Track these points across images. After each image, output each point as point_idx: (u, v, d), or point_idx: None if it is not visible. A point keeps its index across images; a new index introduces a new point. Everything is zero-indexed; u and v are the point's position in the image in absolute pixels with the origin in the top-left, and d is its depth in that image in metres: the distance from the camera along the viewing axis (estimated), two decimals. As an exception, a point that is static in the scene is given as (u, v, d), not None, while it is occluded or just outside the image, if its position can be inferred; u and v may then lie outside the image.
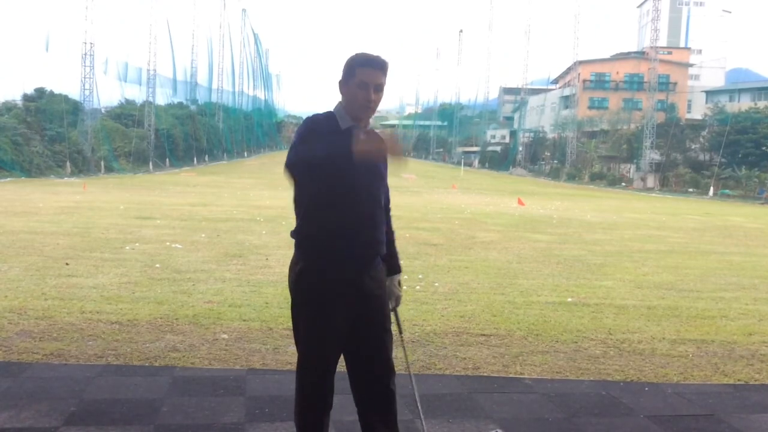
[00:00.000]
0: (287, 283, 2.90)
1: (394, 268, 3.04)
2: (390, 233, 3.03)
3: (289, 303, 2.89)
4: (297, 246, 2.82)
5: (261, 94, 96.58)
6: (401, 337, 3.19)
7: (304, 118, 2.81)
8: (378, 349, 2.92)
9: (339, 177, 2.61)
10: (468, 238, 12.82)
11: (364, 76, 2.69)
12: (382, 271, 2.93)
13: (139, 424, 3.58)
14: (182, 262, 8.83)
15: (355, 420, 3.67)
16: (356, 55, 2.76)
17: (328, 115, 2.79)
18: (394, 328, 3.02)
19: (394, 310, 3.07)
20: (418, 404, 3.21)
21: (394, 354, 2.99)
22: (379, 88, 2.73)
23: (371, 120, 2.87)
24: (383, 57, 2.76)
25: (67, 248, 9.64)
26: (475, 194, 31.49)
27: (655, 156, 50.17)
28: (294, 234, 2.82)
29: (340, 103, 2.82)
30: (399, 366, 3.10)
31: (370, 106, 2.73)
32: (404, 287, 7.53)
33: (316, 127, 2.70)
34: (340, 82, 2.79)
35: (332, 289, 2.73)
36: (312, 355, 2.81)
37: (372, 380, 2.94)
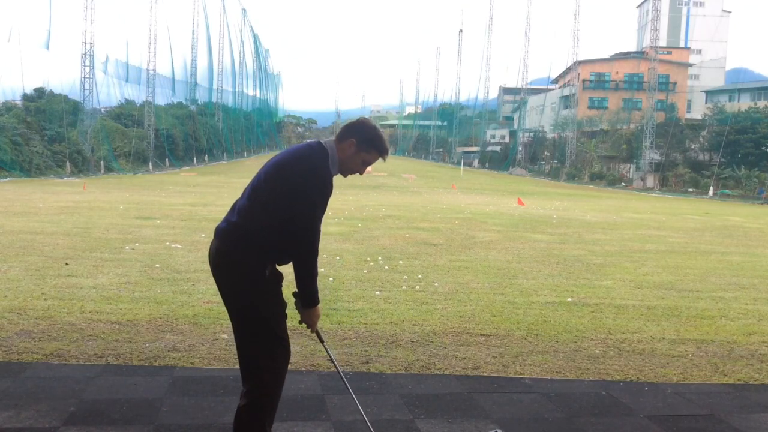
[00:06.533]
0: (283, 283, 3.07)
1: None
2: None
3: (292, 304, 2.98)
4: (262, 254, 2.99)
5: (261, 94, 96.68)
6: None
7: (319, 169, 2.91)
8: None
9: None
10: (468, 238, 12.82)
11: (374, 159, 3.05)
12: None
13: (139, 424, 3.58)
14: (182, 262, 8.83)
15: (355, 420, 3.68)
16: (383, 139, 3.04)
17: (327, 156, 2.97)
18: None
19: None
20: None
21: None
22: None
23: None
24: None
25: (67, 248, 9.63)
26: (475, 194, 31.47)
27: (655, 156, 50.14)
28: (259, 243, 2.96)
29: (333, 147, 3.00)
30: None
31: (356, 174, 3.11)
32: (403, 287, 7.57)
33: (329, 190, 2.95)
34: (349, 140, 2.98)
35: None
36: (285, 335, 3.13)
37: None
